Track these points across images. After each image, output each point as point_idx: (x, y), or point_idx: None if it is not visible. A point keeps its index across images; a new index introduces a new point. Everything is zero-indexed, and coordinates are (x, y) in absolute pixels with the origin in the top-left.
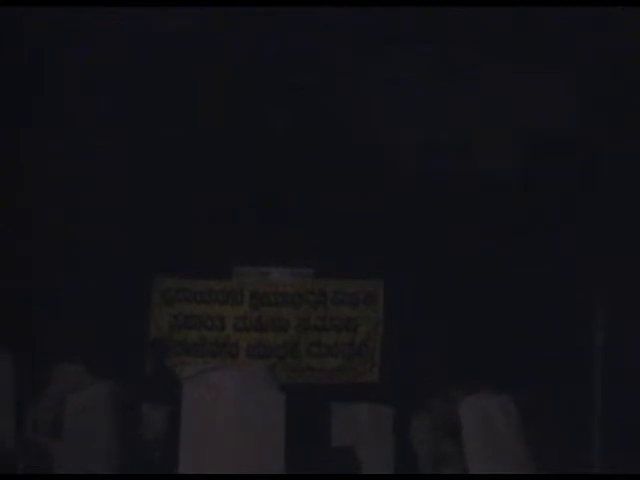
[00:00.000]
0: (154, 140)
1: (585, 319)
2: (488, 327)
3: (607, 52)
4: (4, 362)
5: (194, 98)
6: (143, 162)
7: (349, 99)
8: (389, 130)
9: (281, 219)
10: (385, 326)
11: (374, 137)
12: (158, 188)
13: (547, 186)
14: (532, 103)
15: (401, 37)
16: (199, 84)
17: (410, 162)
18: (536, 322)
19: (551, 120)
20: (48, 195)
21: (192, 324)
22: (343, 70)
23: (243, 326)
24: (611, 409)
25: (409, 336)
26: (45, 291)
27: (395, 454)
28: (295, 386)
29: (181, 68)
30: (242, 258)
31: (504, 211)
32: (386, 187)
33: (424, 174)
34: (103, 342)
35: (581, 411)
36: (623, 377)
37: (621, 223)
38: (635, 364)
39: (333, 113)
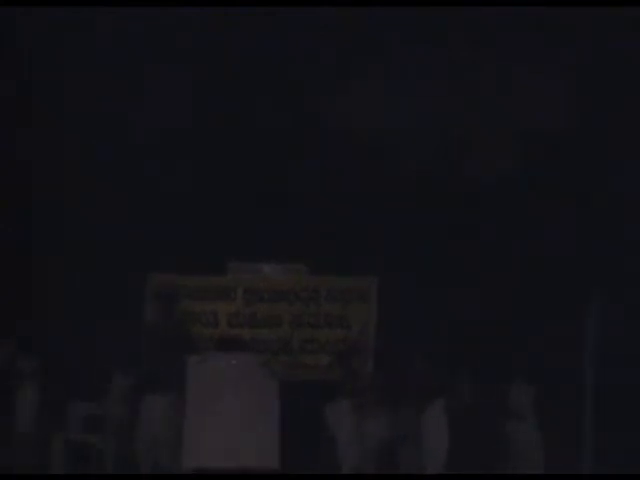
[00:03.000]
0: (152, 138)
1: (583, 319)
2: (484, 324)
3: (607, 52)
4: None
5: (193, 97)
6: (140, 160)
7: (349, 99)
8: (389, 130)
9: (276, 216)
10: (378, 323)
11: (374, 137)
12: (154, 185)
13: (547, 186)
14: (532, 103)
15: (401, 37)
16: (199, 84)
17: (410, 162)
18: (535, 322)
19: (551, 120)
20: (48, 195)
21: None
22: (343, 70)
23: (237, 322)
24: (604, 410)
25: (402, 334)
26: (44, 290)
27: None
28: (288, 382)
29: (181, 68)
30: (236, 255)
31: (504, 211)
32: (385, 186)
33: (424, 174)
34: (101, 339)
35: (574, 410)
36: (617, 378)
37: (620, 223)
38: (630, 362)
39: (333, 113)
